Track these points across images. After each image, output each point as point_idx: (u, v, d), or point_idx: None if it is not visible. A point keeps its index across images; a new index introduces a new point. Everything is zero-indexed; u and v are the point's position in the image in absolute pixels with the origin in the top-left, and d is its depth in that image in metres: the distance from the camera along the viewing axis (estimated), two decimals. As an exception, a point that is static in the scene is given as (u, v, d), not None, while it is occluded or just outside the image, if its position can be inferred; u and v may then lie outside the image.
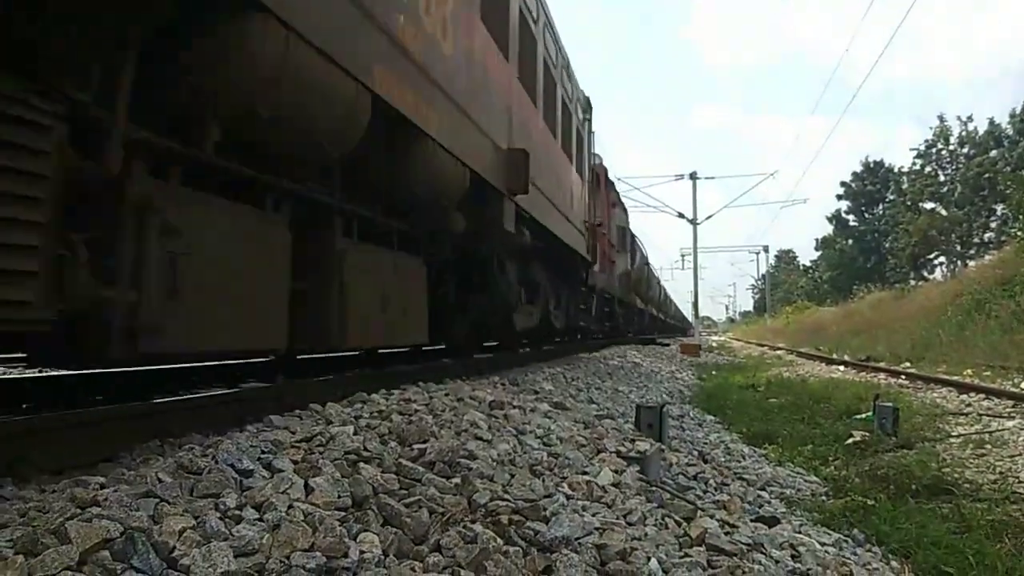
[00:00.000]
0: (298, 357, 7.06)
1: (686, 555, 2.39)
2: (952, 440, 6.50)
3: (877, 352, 19.38)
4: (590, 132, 13.39)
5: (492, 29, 6.24)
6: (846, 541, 3.53)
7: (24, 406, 3.85)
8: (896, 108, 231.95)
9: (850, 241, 60.64)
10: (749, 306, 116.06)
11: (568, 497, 2.68)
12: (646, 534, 2.50)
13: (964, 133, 50.30)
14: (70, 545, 1.50)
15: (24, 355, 3.52)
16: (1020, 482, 4.86)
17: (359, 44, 3.58)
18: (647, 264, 28.09)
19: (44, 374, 5.81)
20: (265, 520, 1.85)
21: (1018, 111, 45.48)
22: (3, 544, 1.50)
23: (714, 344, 37.40)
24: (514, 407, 4.16)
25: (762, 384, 12.36)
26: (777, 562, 2.65)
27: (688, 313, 49.22)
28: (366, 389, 3.99)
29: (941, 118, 52.04)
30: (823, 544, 3.24)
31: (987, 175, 43.45)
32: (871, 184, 59.94)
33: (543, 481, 2.81)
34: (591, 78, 65.40)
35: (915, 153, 52.90)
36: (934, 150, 51.80)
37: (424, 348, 7.39)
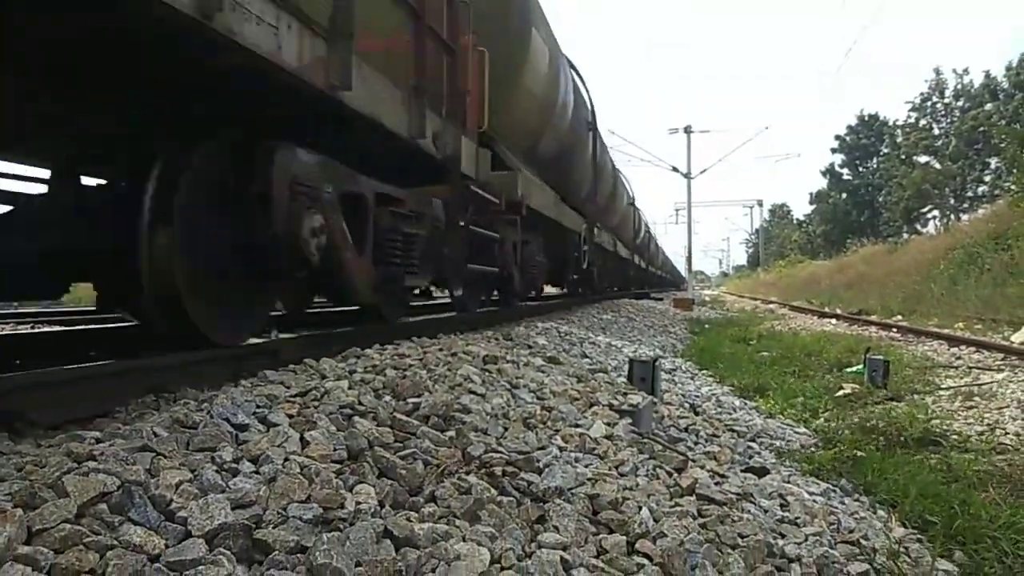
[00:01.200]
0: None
1: (677, 504, 2.42)
2: (942, 392, 6.58)
3: (869, 305, 19.49)
4: None
5: None
6: (834, 491, 3.58)
7: (18, 362, 3.85)
8: (893, 61, 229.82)
9: (844, 195, 60.52)
10: (743, 260, 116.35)
11: (561, 449, 2.72)
12: (638, 484, 2.53)
13: (959, 86, 49.98)
14: (68, 499, 1.52)
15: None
16: (1007, 433, 4.94)
17: None
18: (606, 153, 16.44)
19: (37, 330, 5.81)
20: (261, 473, 1.87)
21: (1014, 64, 45.11)
22: (2, 498, 1.51)
23: (707, 298, 37.51)
24: (508, 361, 4.18)
25: (754, 337, 12.42)
26: (766, 511, 2.70)
27: (681, 267, 49.21)
28: (360, 344, 4.00)
29: (937, 71, 51.70)
30: (811, 494, 3.29)
31: (982, 128, 43.20)
32: (865, 137, 59.67)
33: (536, 434, 2.84)
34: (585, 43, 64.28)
35: (910, 106, 52.64)
36: (929, 103, 51.47)
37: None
